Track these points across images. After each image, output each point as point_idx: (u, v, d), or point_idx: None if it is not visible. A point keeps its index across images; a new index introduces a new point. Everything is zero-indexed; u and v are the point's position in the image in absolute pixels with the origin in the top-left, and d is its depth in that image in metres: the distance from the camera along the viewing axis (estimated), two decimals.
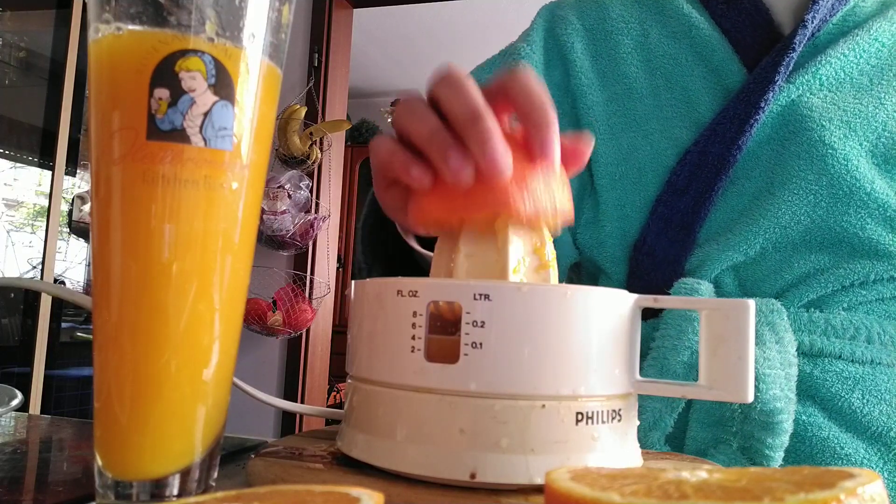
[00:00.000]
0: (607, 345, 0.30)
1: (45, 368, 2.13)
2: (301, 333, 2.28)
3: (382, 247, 0.54)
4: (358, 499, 0.20)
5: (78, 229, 2.36)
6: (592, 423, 0.29)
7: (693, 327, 0.50)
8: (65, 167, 2.22)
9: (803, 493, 0.17)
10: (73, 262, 2.46)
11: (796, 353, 0.49)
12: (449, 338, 0.29)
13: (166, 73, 0.25)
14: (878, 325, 0.51)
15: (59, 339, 2.27)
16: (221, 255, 0.27)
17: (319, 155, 2.32)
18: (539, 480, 0.27)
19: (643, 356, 0.48)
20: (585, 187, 0.61)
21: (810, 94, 0.54)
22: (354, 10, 2.57)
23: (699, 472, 0.20)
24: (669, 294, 0.52)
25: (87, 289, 2.36)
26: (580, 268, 0.66)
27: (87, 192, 2.31)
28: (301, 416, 2.28)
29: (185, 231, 0.26)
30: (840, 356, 0.50)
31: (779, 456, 0.47)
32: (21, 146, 2.29)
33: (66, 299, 0.41)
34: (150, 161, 0.25)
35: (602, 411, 0.29)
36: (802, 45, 0.54)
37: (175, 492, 0.26)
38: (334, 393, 3.34)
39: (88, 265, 2.46)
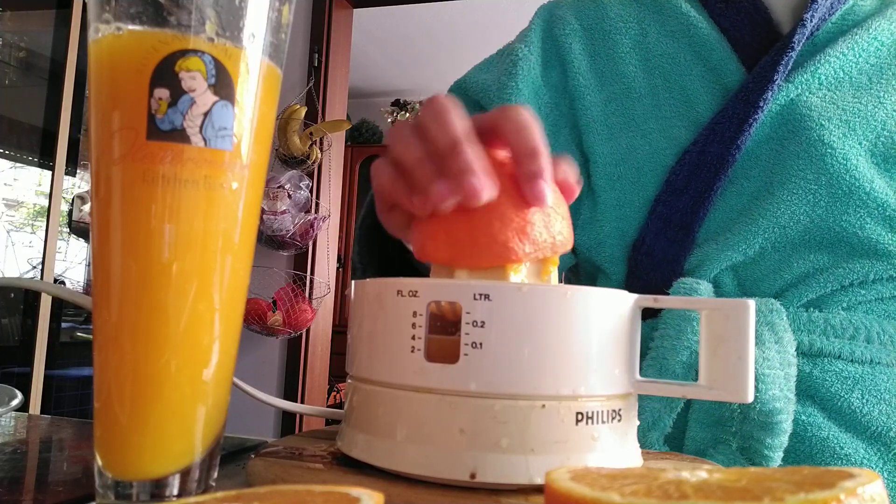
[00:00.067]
0: (607, 345, 0.30)
1: (45, 368, 2.13)
2: (301, 333, 2.28)
3: (379, 248, 0.54)
4: (358, 499, 0.20)
5: (78, 229, 2.36)
6: (592, 423, 0.29)
7: (692, 327, 0.50)
8: (65, 167, 2.22)
9: (803, 493, 0.17)
10: (73, 262, 2.46)
11: (795, 353, 0.49)
12: (449, 338, 0.29)
13: (166, 73, 0.25)
14: (877, 324, 0.51)
15: (59, 339, 2.27)
16: (221, 255, 0.27)
17: (319, 155, 2.32)
18: (539, 480, 0.27)
19: (642, 356, 0.48)
20: (584, 187, 0.61)
21: (809, 93, 0.54)
22: (354, 10, 2.57)
23: (699, 472, 0.20)
24: (668, 294, 0.52)
25: (87, 289, 2.36)
26: (578, 268, 0.66)
27: (87, 192, 2.31)
28: (301, 416, 2.28)
29: (185, 231, 0.26)
30: (839, 356, 0.50)
31: (778, 456, 0.47)
32: (21, 146, 2.29)
33: (66, 299, 0.41)
34: (150, 161, 0.25)
35: (602, 411, 0.29)
36: (801, 44, 0.54)
37: (175, 492, 0.26)
38: (334, 393, 3.34)
39: (88, 265, 2.46)
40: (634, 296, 0.31)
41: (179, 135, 0.25)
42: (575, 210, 0.61)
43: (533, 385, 0.28)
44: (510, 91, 0.60)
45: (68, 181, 2.30)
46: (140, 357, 0.26)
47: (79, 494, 0.32)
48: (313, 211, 2.32)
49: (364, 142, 4.28)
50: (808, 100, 0.53)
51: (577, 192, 0.35)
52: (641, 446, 0.33)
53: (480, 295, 0.28)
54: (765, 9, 0.58)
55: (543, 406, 0.28)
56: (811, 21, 0.55)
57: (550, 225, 0.32)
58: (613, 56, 0.61)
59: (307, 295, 2.29)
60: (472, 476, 0.27)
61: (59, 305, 2.21)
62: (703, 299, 0.33)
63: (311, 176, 2.34)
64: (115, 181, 0.26)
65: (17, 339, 2.19)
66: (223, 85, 0.26)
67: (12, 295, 2.18)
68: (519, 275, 0.32)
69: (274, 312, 2.16)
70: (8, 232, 2.29)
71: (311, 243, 2.30)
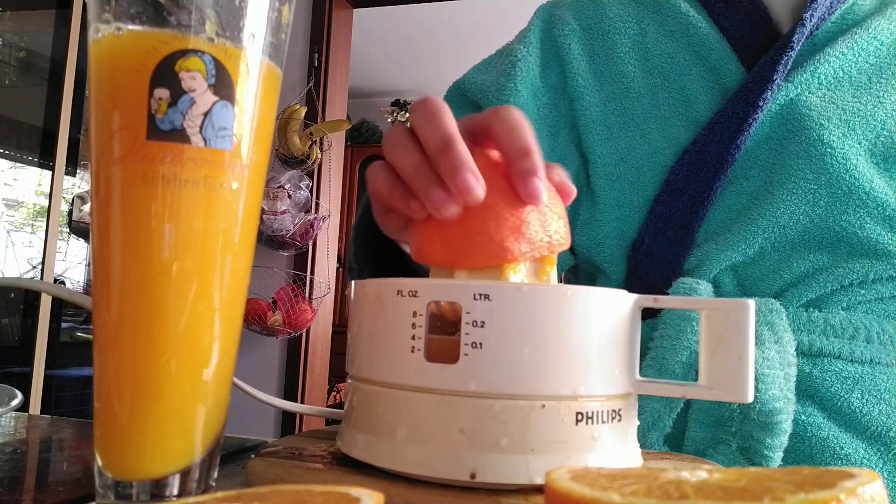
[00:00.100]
0: (607, 345, 0.30)
1: (45, 368, 2.13)
2: (301, 333, 2.28)
3: (376, 249, 0.54)
4: (358, 499, 0.20)
5: (78, 229, 2.36)
6: (592, 423, 0.29)
7: (692, 327, 0.50)
8: (65, 167, 2.22)
9: (803, 493, 0.17)
10: (73, 262, 2.46)
11: (795, 353, 0.49)
12: (449, 338, 0.29)
13: (166, 73, 0.25)
14: (877, 324, 0.51)
15: (59, 339, 2.27)
16: (221, 255, 0.27)
17: (319, 155, 2.32)
18: (539, 480, 0.27)
19: (642, 356, 0.48)
20: (583, 187, 0.61)
21: (809, 92, 0.54)
22: (354, 10, 2.57)
23: (699, 472, 0.20)
24: (668, 294, 0.52)
25: (87, 289, 2.36)
26: (577, 269, 0.66)
27: (87, 192, 2.31)
28: (301, 416, 2.28)
29: (185, 231, 0.26)
30: (839, 356, 0.50)
31: (778, 456, 0.47)
32: (21, 146, 2.29)
33: (66, 299, 0.41)
34: (150, 161, 0.25)
35: (602, 411, 0.29)
36: (801, 43, 0.54)
37: (175, 492, 0.26)
38: (334, 393, 3.34)
39: (88, 265, 2.46)
40: (634, 296, 0.31)
41: (179, 135, 0.25)
42: (574, 210, 0.61)
43: (533, 385, 0.28)
44: (509, 92, 0.60)
45: (68, 181, 2.30)
46: (140, 357, 0.26)
47: (79, 494, 0.32)
48: (313, 211, 2.32)
49: (364, 142, 4.29)
50: (807, 99, 0.53)
51: (573, 195, 0.35)
52: (641, 446, 0.33)
53: (480, 295, 0.28)
54: (764, 8, 0.58)
55: (543, 406, 0.28)
56: (811, 20, 0.55)
57: (546, 224, 0.32)
58: (612, 56, 0.61)
59: (307, 295, 2.29)
60: (472, 476, 0.27)
61: (59, 305, 2.21)
62: (703, 299, 0.33)
63: (311, 176, 2.34)
64: (115, 181, 0.26)
65: (17, 339, 2.19)
66: (223, 85, 0.26)
67: (12, 295, 2.18)
68: (518, 274, 0.32)
69: (274, 312, 2.16)
70: (8, 232, 2.29)
71: (311, 243, 2.31)
